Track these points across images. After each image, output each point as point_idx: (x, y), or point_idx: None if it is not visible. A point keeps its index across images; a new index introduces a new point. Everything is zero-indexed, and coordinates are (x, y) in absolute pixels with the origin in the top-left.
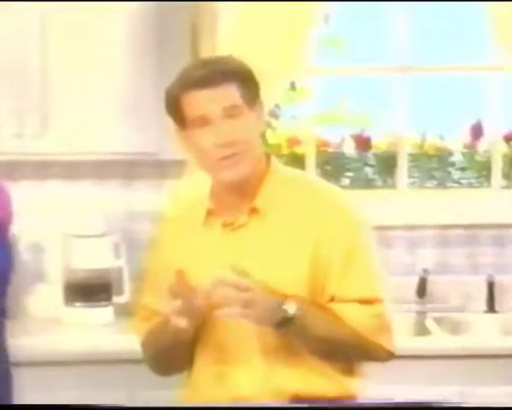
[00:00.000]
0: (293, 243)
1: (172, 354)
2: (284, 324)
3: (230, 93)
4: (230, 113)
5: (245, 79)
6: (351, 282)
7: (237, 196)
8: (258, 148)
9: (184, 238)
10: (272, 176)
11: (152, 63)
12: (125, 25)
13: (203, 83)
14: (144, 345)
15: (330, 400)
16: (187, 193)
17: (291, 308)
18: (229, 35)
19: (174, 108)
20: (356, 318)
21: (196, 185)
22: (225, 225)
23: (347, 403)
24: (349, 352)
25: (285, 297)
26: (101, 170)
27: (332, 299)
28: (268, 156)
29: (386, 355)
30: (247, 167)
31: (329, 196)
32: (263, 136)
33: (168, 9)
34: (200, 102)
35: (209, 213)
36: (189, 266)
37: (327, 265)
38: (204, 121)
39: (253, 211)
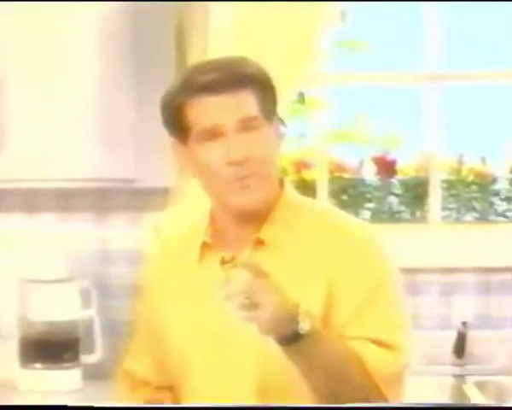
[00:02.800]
0: (303, 285)
1: None
2: (294, 339)
3: (247, 102)
4: (246, 125)
5: (263, 87)
6: (366, 321)
7: (243, 225)
8: (274, 170)
9: (174, 281)
10: (283, 204)
11: (128, 73)
12: (97, 28)
13: (215, 88)
14: None
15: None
16: (173, 227)
17: (305, 324)
18: (224, 37)
19: (175, 116)
20: (370, 357)
21: (183, 217)
22: (224, 262)
23: (349, 404)
24: (351, 393)
25: (299, 311)
26: (66, 200)
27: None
28: (281, 181)
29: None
30: (262, 192)
31: (349, 231)
32: (278, 157)
33: (148, 9)
34: (211, 110)
35: (205, 246)
36: (178, 315)
37: (341, 308)
38: (215, 134)
39: (258, 243)
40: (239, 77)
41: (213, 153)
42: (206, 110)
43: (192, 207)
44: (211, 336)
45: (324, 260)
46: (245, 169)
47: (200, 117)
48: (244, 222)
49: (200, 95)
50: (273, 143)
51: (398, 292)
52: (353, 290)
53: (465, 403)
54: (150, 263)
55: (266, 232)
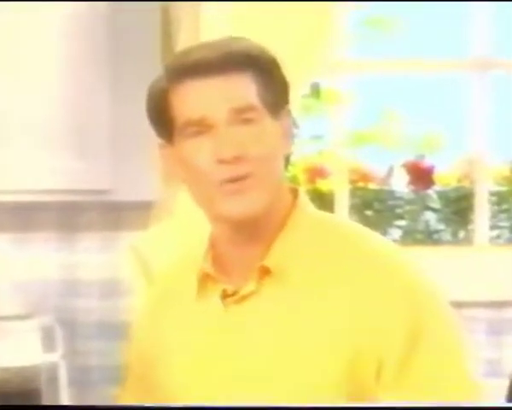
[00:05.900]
0: (322, 323)
1: None
2: None
3: (243, 87)
4: (242, 116)
5: (267, 72)
6: (406, 390)
7: (246, 247)
8: (278, 174)
9: (170, 320)
10: (296, 220)
11: (104, 69)
12: (70, 26)
13: (203, 69)
14: None
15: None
16: (159, 250)
17: None
18: (219, 19)
19: (159, 107)
20: None
21: (170, 238)
22: (226, 296)
23: (348, 404)
24: None
25: None
26: (26, 217)
27: None
28: (295, 193)
29: None
30: (261, 198)
31: (382, 256)
32: (287, 162)
33: (126, 10)
34: (198, 96)
35: (204, 278)
36: (177, 357)
37: (375, 356)
38: (202, 126)
39: (264, 272)
40: (234, 57)
41: (201, 151)
42: (191, 97)
43: (182, 225)
44: (214, 380)
45: (346, 299)
46: (237, 169)
47: (185, 106)
48: (247, 243)
49: (186, 78)
50: (276, 140)
51: (450, 333)
52: (389, 337)
53: (466, 403)
54: (140, 297)
55: (273, 258)
